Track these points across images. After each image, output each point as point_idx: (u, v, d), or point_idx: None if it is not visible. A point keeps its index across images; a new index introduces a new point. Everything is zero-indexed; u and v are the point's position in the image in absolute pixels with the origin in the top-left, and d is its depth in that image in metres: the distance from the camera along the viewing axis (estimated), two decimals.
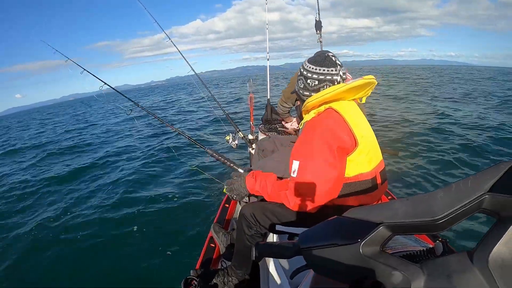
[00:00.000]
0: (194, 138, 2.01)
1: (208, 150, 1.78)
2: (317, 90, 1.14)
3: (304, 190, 1.03)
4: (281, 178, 1.22)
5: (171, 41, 2.97)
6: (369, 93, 1.19)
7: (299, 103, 1.30)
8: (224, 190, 1.52)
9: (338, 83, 1.12)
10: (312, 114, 1.13)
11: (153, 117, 2.21)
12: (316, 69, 1.14)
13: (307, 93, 1.17)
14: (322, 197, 1.02)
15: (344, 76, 1.16)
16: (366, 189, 1.09)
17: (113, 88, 2.25)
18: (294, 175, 1.05)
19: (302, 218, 1.12)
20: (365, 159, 1.07)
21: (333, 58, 1.15)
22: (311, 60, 1.17)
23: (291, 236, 1.37)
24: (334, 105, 1.09)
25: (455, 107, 9.03)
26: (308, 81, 1.16)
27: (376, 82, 1.16)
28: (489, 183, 0.33)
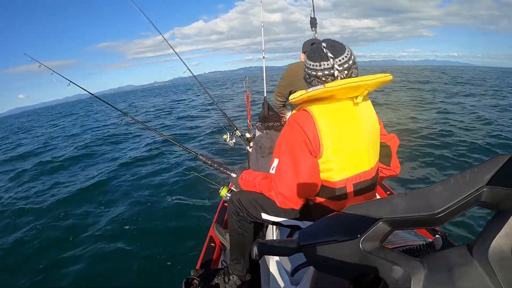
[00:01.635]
0: (191, 141, 2.02)
1: (200, 156, 1.80)
2: (309, 84, 1.08)
3: (283, 186, 1.04)
4: None
5: (167, 42, 2.98)
6: (365, 93, 1.00)
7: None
8: (220, 194, 1.52)
9: (334, 77, 1.00)
10: (294, 111, 1.11)
11: (142, 125, 2.32)
12: (306, 62, 1.08)
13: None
14: (298, 192, 1.03)
15: (341, 68, 1.00)
16: (330, 195, 1.05)
17: (101, 99, 2.53)
18: (272, 171, 1.08)
19: (285, 208, 1.12)
20: (334, 167, 1.01)
21: (324, 50, 1.01)
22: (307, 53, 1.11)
23: (291, 233, 1.37)
24: (312, 106, 1.00)
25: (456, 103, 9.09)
26: (304, 73, 1.10)
27: (368, 81, 0.93)
28: (487, 176, 0.33)
